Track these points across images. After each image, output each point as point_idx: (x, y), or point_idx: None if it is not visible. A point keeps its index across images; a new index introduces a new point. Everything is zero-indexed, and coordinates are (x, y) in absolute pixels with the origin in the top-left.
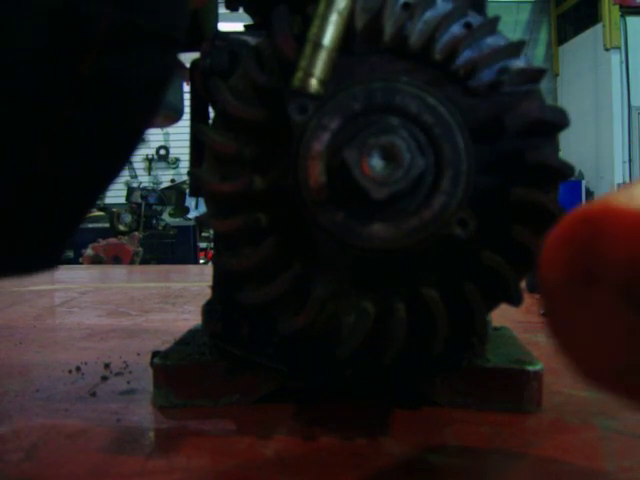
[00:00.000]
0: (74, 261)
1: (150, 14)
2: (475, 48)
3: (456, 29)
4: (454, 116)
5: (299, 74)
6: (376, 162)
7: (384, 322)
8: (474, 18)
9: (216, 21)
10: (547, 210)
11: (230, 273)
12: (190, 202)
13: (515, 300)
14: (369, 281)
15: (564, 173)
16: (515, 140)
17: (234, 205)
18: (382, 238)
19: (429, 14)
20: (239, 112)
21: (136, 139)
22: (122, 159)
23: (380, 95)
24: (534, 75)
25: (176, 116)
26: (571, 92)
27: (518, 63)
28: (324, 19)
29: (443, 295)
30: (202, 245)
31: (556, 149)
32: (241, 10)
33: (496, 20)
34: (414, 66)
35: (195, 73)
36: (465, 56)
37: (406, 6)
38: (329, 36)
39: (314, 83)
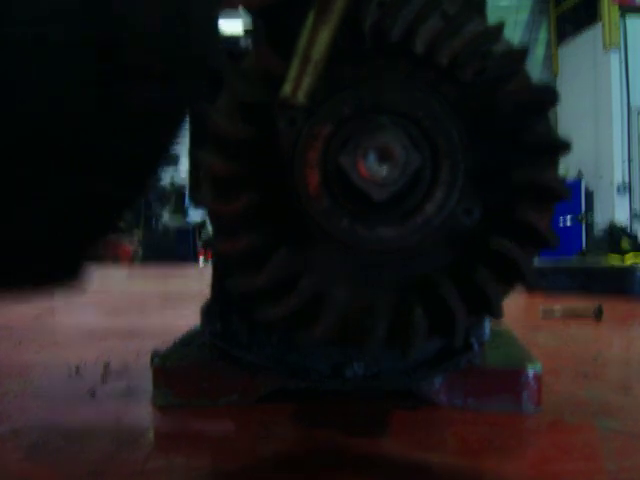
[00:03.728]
0: None
1: (189, 47)
2: (455, 36)
3: (433, 20)
4: (444, 107)
5: (287, 86)
6: (372, 163)
7: (403, 320)
8: (450, 6)
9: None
10: (549, 187)
11: (244, 294)
12: (189, 203)
13: (529, 279)
14: (384, 282)
15: (561, 147)
16: (507, 122)
17: (238, 224)
18: (390, 238)
19: (405, 9)
20: (229, 132)
21: (164, 156)
22: (150, 177)
23: (367, 96)
24: (517, 56)
25: None
26: (570, 92)
27: (500, 46)
28: (312, 31)
29: (457, 285)
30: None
31: (549, 126)
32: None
33: (474, 3)
34: (397, 61)
35: None
36: (446, 46)
37: (381, 4)
38: (317, 48)
39: (301, 94)
